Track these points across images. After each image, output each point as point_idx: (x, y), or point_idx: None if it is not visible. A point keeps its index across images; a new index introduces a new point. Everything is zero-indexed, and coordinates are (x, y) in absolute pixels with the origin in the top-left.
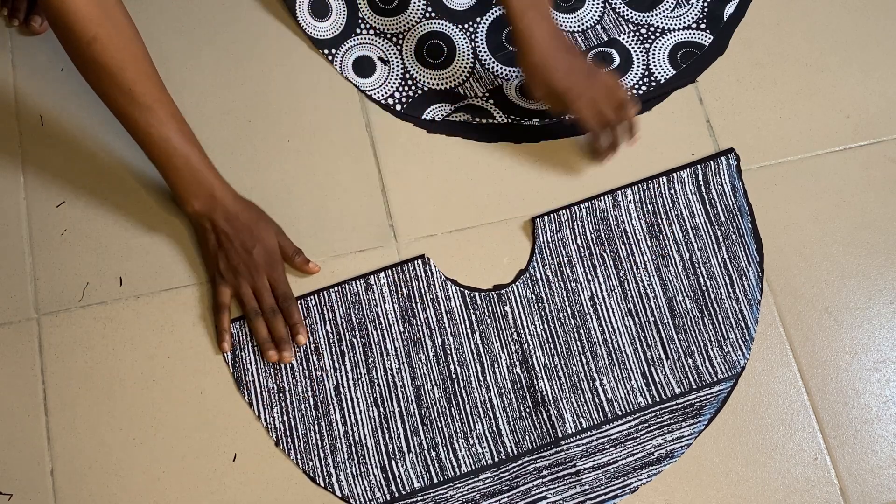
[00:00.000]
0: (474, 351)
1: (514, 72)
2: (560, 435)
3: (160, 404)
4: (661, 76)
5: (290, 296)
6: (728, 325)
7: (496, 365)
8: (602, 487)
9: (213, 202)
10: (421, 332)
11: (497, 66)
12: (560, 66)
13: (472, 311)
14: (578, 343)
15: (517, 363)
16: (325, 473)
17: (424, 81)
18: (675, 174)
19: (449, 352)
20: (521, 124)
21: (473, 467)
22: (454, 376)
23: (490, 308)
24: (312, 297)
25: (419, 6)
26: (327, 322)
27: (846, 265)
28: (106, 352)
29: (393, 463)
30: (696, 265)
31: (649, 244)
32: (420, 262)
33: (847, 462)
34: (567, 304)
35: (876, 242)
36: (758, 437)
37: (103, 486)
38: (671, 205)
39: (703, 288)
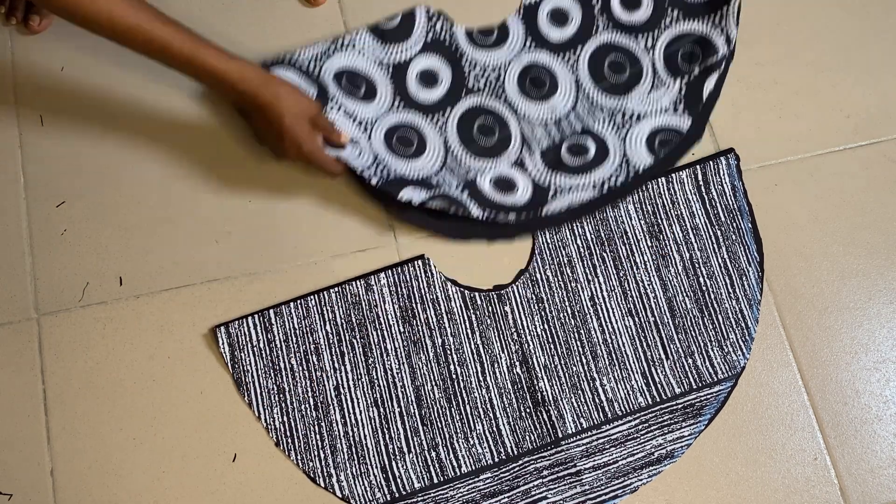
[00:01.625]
0: (474, 351)
1: (487, 163)
2: (560, 435)
3: (160, 404)
4: (640, 165)
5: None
6: (728, 325)
7: (496, 365)
8: (602, 487)
9: (237, 91)
10: (421, 333)
11: (470, 157)
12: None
13: (472, 311)
14: (578, 343)
15: (517, 363)
16: (326, 474)
17: (398, 170)
18: (674, 174)
19: (449, 352)
20: (497, 221)
21: (474, 467)
22: (454, 376)
23: (490, 308)
24: (312, 297)
25: (387, 95)
26: (327, 322)
27: (846, 265)
28: (106, 352)
29: (393, 463)
30: (696, 265)
31: (649, 244)
32: (420, 262)
33: (847, 462)
34: (567, 304)
35: (876, 242)
36: (758, 437)
37: (103, 486)
38: (671, 205)
39: (703, 288)
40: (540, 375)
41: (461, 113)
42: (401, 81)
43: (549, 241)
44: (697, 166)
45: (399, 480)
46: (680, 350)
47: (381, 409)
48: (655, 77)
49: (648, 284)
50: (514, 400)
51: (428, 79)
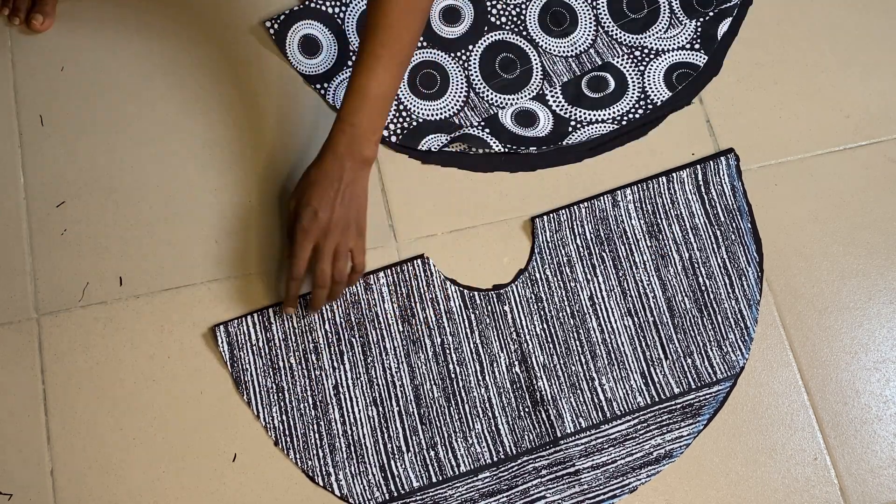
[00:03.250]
0: (473, 350)
1: (508, 99)
2: (559, 434)
3: (160, 404)
4: (658, 99)
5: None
6: (727, 325)
7: (495, 364)
8: (601, 487)
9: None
10: (420, 332)
11: (491, 93)
12: (318, 182)
13: (471, 310)
14: (578, 343)
15: (516, 363)
16: (325, 473)
17: (419, 112)
18: (674, 174)
19: (448, 351)
20: (518, 153)
21: (472, 467)
22: (453, 376)
23: (489, 308)
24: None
25: None
26: (326, 322)
27: (846, 265)
28: (106, 352)
29: (392, 462)
30: (696, 265)
31: (649, 244)
32: (420, 261)
33: (847, 462)
34: (566, 303)
35: (876, 242)
36: (758, 437)
37: (103, 486)
38: (671, 205)
39: (703, 288)
40: (539, 375)
41: (483, 48)
42: None
43: (548, 240)
44: (697, 166)
45: (398, 479)
46: (679, 350)
47: (380, 409)
48: (672, 16)
49: (648, 284)
50: (512, 399)
51: (450, 15)
